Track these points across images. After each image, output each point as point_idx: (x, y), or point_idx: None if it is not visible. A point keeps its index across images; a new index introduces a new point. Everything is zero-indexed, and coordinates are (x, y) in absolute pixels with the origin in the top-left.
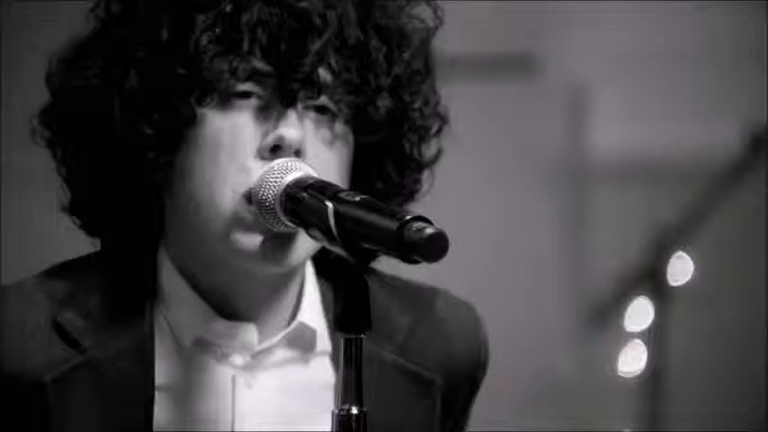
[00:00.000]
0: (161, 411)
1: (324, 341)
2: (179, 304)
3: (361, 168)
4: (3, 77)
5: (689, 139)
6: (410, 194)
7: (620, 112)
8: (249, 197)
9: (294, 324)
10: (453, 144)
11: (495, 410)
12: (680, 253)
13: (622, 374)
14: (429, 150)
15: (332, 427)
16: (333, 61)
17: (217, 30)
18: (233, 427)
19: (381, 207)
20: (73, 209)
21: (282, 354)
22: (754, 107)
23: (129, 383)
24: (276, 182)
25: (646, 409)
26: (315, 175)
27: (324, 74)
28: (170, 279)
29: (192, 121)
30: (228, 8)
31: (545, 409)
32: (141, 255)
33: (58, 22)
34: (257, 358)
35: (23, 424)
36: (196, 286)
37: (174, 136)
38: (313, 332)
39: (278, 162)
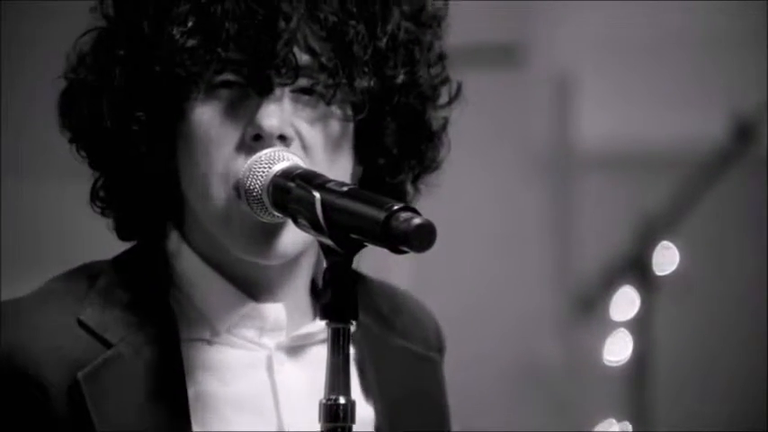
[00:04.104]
0: (199, 396)
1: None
2: (207, 291)
3: (363, 144)
4: (3, 76)
5: (674, 128)
6: (422, 167)
7: (606, 102)
8: (237, 188)
9: None
10: None
11: (482, 397)
12: (666, 242)
13: (608, 363)
14: (435, 119)
15: (319, 417)
16: (312, 43)
17: (190, 23)
18: (277, 402)
19: (369, 197)
20: (93, 197)
21: (317, 336)
22: (740, 97)
23: (159, 375)
24: (263, 172)
25: (631, 397)
26: (302, 165)
27: (302, 56)
28: (193, 267)
29: (175, 116)
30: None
31: (531, 397)
32: (158, 246)
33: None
34: (293, 339)
35: (64, 422)
36: (222, 271)
37: (160, 131)
38: None
39: (265, 152)
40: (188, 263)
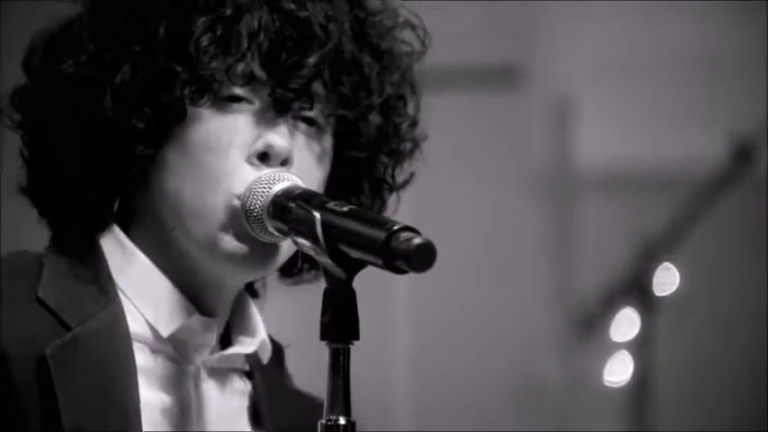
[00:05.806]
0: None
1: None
2: (155, 296)
3: (337, 182)
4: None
5: (674, 148)
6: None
7: (606, 123)
8: (239, 202)
9: (261, 338)
10: (440, 155)
11: (482, 417)
12: (666, 263)
13: (609, 384)
14: (402, 173)
15: None
16: (326, 74)
17: (217, 32)
18: (200, 416)
19: (369, 217)
20: (31, 191)
21: (237, 361)
22: (740, 117)
23: (113, 361)
24: (264, 192)
25: (631, 419)
26: (302, 185)
27: (316, 86)
28: (142, 269)
29: (182, 118)
30: (229, 12)
31: (532, 418)
32: (93, 242)
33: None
34: (220, 359)
35: (26, 395)
36: (172, 279)
37: (163, 132)
38: (267, 350)
39: (266, 173)
40: (137, 265)
